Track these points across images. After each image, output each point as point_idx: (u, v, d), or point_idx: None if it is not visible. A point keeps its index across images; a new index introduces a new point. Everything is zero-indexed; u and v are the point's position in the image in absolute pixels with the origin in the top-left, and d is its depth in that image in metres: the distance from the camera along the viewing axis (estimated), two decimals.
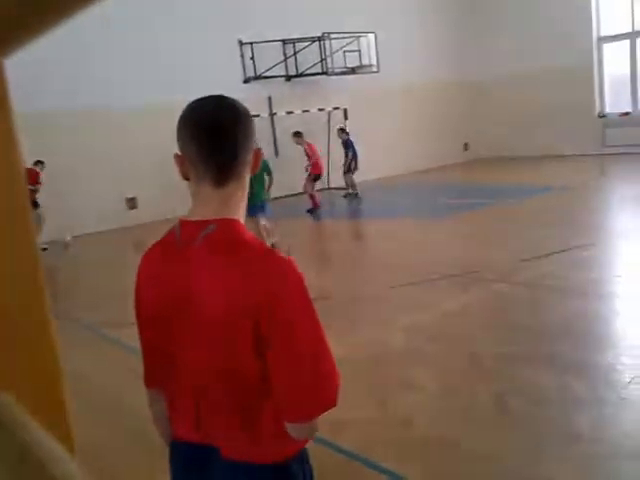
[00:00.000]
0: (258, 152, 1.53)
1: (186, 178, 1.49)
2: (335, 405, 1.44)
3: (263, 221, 8.40)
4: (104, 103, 13.05)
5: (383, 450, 3.56)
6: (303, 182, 13.61)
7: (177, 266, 1.46)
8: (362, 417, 3.98)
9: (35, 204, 11.58)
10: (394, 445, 3.62)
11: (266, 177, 8.66)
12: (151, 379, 1.63)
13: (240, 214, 1.49)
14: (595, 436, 3.51)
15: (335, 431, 3.79)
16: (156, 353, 1.56)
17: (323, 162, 13.75)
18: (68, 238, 11.82)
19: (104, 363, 5.49)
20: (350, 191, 14.77)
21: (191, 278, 1.42)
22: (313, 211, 12.80)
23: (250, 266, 1.39)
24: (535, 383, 4.22)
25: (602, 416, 3.74)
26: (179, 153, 1.48)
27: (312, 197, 12.99)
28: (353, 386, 4.46)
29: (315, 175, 13.20)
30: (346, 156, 14.50)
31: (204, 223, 1.43)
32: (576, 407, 3.86)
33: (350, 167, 14.52)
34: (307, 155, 13.30)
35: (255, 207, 7.81)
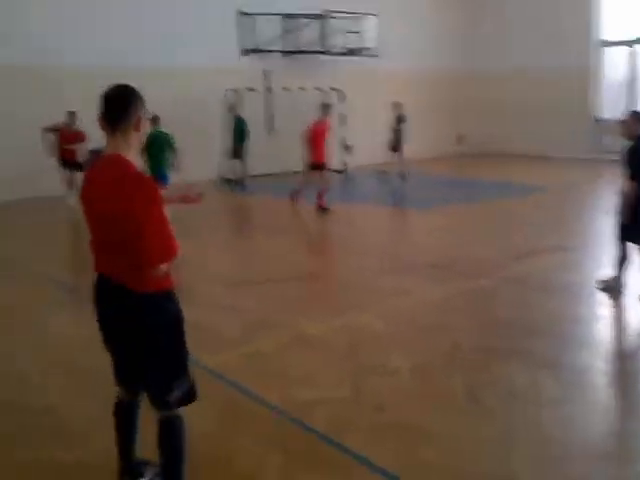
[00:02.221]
0: (140, 119, 2.61)
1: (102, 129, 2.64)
2: (175, 256, 2.56)
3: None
4: (109, 64, 12.78)
5: (353, 434, 3.54)
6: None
7: (91, 180, 2.66)
8: (334, 398, 3.96)
9: (78, 166, 10.87)
10: (365, 429, 3.61)
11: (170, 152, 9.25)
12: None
13: (127, 152, 2.59)
14: (564, 437, 3.52)
15: (306, 410, 3.77)
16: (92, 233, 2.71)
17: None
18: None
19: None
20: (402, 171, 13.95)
21: (95, 187, 2.60)
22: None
23: (129, 181, 2.51)
24: (509, 378, 4.23)
25: (573, 417, 3.75)
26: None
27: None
28: (327, 368, 4.44)
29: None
30: (398, 131, 13.98)
31: (107, 155, 2.62)
32: (547, 406, 3.86)
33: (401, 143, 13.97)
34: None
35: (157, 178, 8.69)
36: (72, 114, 11.06)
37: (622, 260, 5.84)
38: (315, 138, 10.63)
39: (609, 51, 17.68)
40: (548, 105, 17.88)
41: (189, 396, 2.79)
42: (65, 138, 11.11)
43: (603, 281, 6.02)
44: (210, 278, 6.95)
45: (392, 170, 14.12)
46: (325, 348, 4.84)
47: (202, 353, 4.69)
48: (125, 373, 2.89)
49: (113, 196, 2.49)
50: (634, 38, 16.99)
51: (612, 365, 4.51)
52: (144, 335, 2.66)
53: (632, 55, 17.12)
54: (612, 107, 17.43)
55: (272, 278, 6.78)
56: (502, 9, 19.08)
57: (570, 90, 17.58)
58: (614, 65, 17.63)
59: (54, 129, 11.11)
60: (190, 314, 5.62)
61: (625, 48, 17.22)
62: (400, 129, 14.00)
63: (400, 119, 14.02)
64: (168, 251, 2.54)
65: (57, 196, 11.56)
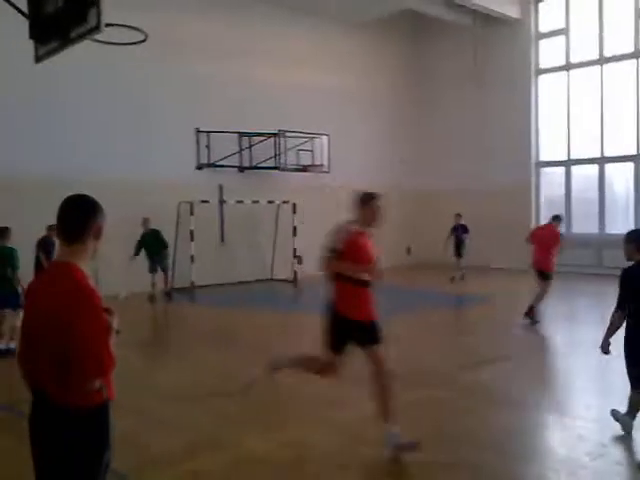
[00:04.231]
0: (99, 227, 2.66)
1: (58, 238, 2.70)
2: (103, 376, 2.50)
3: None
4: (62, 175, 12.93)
5: None
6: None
7: (37, 288, 2.68)
8: None
9: None
10: None
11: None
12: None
13: (78, 261, 2.58)
14: None
15: None
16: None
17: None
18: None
19: None
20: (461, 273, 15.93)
21: (40, 295, 2.58)
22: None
23: (71, 291, 2.47)
24: None
25: None
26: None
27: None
28: None
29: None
30: (462, 240, 15.87)
31: (57, 262, 2.70)
32: None
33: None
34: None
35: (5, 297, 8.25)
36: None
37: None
38: (546, 244, 10.18)
39: (546, 171, 18.93)
40: (491, 220, 18.73)
41: None
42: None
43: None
44: (146, 391, 6.71)
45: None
46: (271, 466, 4.65)
47: (135, 472, 4.45)
48: None
49: (55, 305, 2.45)
50: (568, 159, 18.28)
51: (561, 477, 4.46)
52: (55, 454, 2.51)
53: (567, 174, 18.34)
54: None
55: (213, 392, 6.58)
56: (449, 133, 20.35)
57: (511, 206, 18.53)
58: (551, 183, 18.83)
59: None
60: (123, 429, 5.37)
61: (561, 168, 18.46)
62: (463, 238, 15.98)
63: (464, 229, 16.06)
64: (103, 366, 2.48)
65: None
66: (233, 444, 5.06)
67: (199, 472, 4.50)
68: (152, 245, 13.47)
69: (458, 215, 16.31)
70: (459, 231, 16.08)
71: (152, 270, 13.56)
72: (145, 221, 13.55)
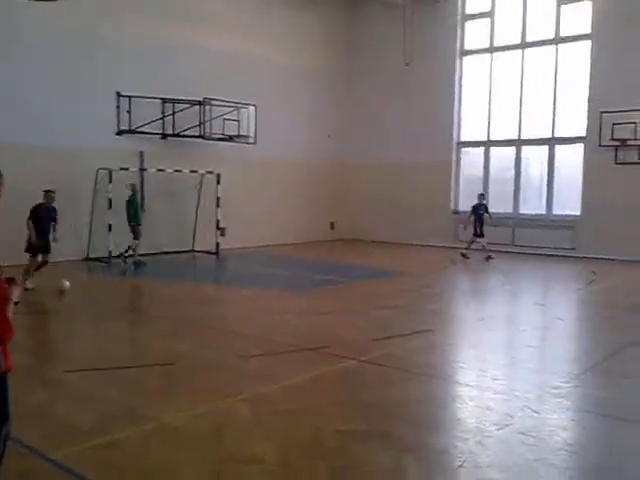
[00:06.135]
0: None
1: None
2: (7, 342, 2.49)
3: None
4: None
5: None
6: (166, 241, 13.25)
7: None
8: None
9: None
10: None
11: None
12: None
13: None
14: None
15: None
16: None
17: None
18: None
19: None
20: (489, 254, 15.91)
21: None
22: None
23: None
24: (373, 462, 4.25)
25: None
26: None
27: None
28: (189, 460, 4.24)
29: None
30: (483, 220, 15.99)
31: None
32: None
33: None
34: None
35: None
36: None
37: None
38: None
39: (466, 151, 19.47)
40: (411, 196, 19.16)
41: None
42: None
43: None
44: (59, 362, 6.53)
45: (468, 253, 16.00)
46: (188, 437, 4.62)
47: (49, 444, 4.32)
48: None
49: None
50: (487, 140, 18.85)
51: (469, 446, 4.67)
52: None
53: (486, 155, 18.93)
54: (467, 201, 19.12)
55: (135, 363, 6.48)
56: (374, 110, 20.50)
57: (432, 184, 19.00)
58: (471, 163, 19.38)
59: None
60: (37, 401, 5.18)
61: (480, 148, 19.03)
62: (484, 217, 16.09)
63: (485, 208, 16.20)
64: (1, 335, 2.48)
65: None
66: (150, 415, 4.99)
67: (112, 445, 4.42)
68: (134, 211, 13.88)
69: (481, 195, 16.63)
70: (480, 210, 16.28)
71: (136, 237, 13.86)
72: (133, 187, 13.91)
